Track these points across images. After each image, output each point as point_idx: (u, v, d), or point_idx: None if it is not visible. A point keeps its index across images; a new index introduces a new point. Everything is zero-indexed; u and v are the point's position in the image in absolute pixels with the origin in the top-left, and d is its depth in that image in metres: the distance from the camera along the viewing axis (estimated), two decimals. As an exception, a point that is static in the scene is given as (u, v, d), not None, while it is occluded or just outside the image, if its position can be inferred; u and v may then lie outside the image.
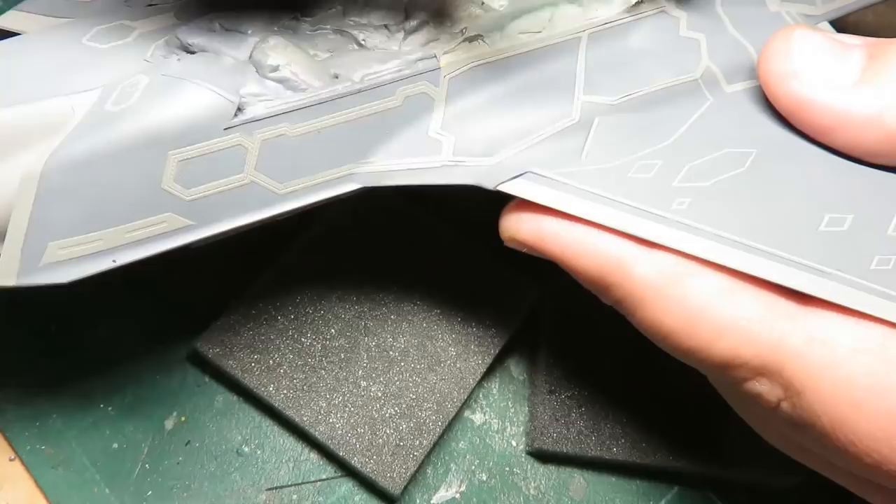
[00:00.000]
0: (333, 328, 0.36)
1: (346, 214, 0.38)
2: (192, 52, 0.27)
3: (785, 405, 0.26)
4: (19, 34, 0.29)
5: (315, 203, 0.28)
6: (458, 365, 0.36)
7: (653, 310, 0.26)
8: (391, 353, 0.36)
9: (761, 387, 0.26)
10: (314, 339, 0.36)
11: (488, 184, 0.28)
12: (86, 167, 0.25)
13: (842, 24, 0.34)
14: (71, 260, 0.25)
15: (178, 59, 0.27)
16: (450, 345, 0.36)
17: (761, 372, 0.26)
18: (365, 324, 0.36)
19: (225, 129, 0.26)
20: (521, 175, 0.28)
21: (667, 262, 0.26)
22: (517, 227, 0.28)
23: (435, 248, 0.37)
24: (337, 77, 0.27)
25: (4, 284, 0.25)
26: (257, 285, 0.37)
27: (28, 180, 0.24)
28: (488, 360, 0.36)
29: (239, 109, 0.26)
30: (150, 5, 0.29)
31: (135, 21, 0.29)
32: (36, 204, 0.25)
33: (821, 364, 0.25)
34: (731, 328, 0.26)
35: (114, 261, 0.26)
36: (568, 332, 0.37)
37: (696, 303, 0.26)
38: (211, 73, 0.26)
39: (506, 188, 0.28)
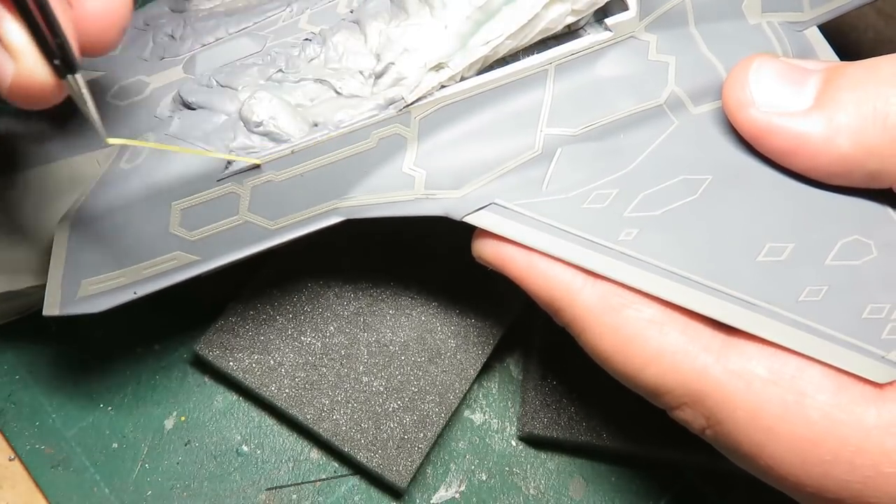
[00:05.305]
0: (332, 325, 0.36)
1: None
2: (193, 109, 0.30)
3: (709, 432, 0.28)
4: None
5: (304, 235, 0.31)
6: (458, 356, 0.36)
7: (593, 335, 0.28)
8: (391, 347, 0.36)
9: (686, 415, 0.28)
10: (314, 338, 0.36)
11: (456, 215, 0.30)
12: (107, 218, 0.28)
13: (842, 42, 0.34)
14: (100, 294, 0.29)
15: (179, 118, 0.29)
16: (449, 337, 0.36)
17: (685, 401, 0.28)
18: (364, 320, 0.37)
19: (217, 180, 0.29)
20: (485, 206, 0.30)
21: (607, 291, 0.28)
22: (482, 250, 0.31)
23: (429, 242, 0.38)
24: (316, 125, 0.29)
25: (50, 314, 0.29)
26: (253, 285, 0.37)
27: (61, 229, 0.28)
28: (488, 351, 0.36)
29: (229, 162, 0.29)
30: (163, 59, 0.32)
31: (150, 76, 0.32)
32: (69, 249, 0.28)
33: (738, 395, 0.26)
34: (657, 358, 0.27)
35: (135, 293, 0.30)
36: None
37: (628, 331, 0.28)
38: (204, 132, 0.29)
39: (470, 219, 0.30)
